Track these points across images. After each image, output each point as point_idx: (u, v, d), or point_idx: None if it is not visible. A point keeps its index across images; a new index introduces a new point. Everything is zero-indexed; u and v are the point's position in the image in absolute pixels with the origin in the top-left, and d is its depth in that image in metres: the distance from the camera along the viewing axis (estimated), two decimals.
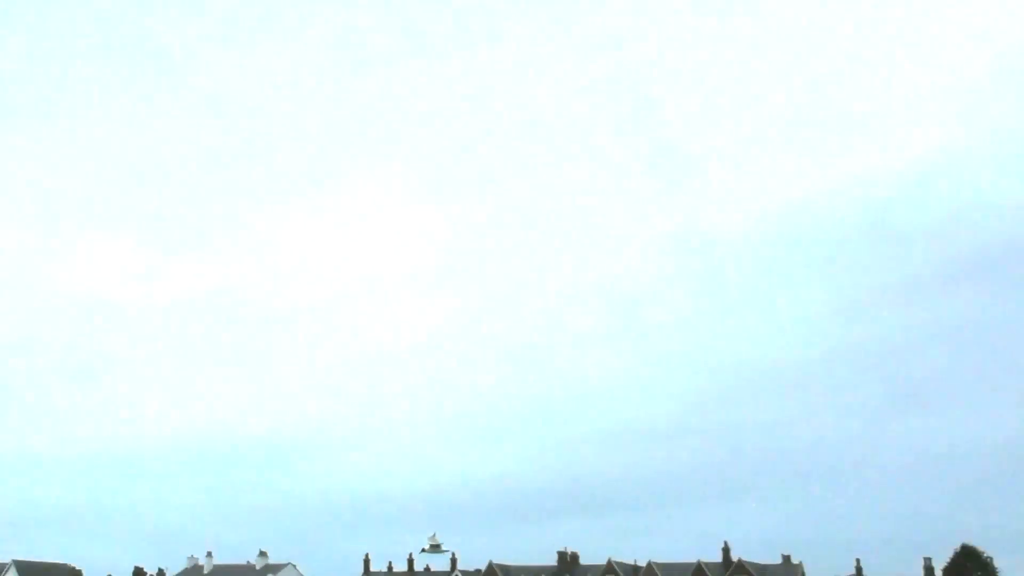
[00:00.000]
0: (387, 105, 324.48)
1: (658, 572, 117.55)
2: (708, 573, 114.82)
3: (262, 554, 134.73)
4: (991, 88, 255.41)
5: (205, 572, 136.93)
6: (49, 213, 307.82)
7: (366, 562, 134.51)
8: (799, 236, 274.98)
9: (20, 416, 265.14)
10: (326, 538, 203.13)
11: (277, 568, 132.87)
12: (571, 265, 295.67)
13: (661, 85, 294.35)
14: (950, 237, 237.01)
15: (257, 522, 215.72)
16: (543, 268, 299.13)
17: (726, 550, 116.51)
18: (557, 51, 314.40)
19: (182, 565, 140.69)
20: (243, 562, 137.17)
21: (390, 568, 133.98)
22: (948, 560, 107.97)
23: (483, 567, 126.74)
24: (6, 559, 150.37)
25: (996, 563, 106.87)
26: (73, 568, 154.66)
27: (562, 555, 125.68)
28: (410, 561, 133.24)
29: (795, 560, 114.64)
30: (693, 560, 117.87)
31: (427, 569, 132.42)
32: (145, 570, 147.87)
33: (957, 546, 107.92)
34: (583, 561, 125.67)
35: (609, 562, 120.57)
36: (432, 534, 71.29)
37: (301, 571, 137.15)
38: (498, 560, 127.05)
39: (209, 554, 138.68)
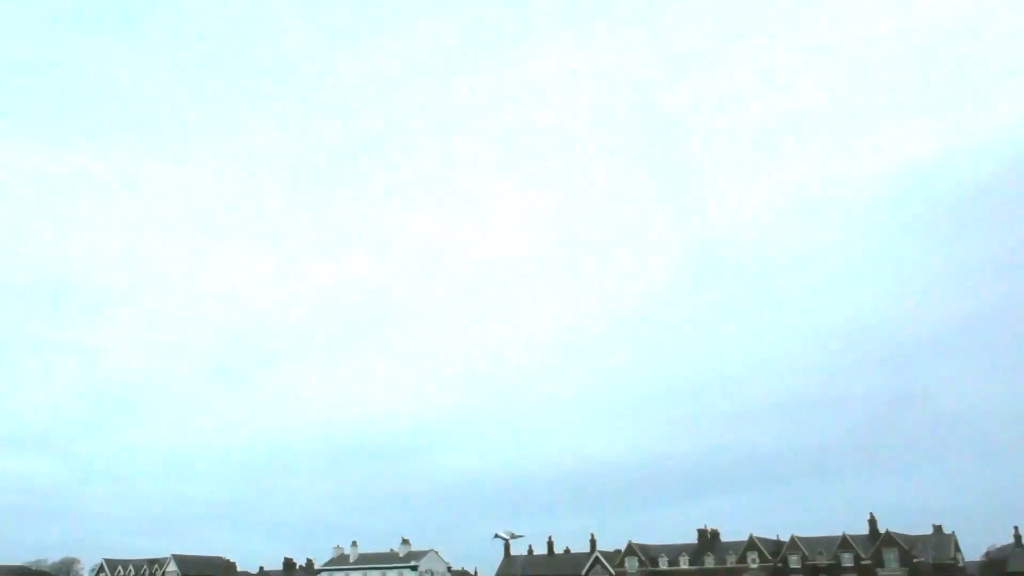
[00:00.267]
0: (500, 101, 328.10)
1: (802, 546, 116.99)
2: (854, 546, 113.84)
3: (405, 541, 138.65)
4: None
5: (351, 561, 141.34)
6: (190, 222, 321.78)
7: (506, 546, 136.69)
8: (941, 195, 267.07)
9: (173, 418, 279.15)
10: (467, 523, 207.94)
11: (420, 555, 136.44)
12: (689, 240, 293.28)
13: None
14: None
15: (400, 510, 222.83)
16: (662, 245, 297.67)
17: (872, 522, 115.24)
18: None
19: (329, 555, 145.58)
20: (387, 550, 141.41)
21: (530, 551, 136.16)
22: None
23: (622, 547, 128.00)
24: (165, 554, 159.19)
25: None
26: (227, 561, 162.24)
27: (702, 532, 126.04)
28: (549, 543, 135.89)
29: (947, 530, 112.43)
30: (838, 533, 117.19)
31: (567, 551, 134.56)
32: (294, 560, 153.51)
33: None
34: (724, 538, 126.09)
35: (751, 538, 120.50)
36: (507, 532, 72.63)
37: (443, 557, 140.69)
38: (637, 540, 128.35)
39: (354, 543, 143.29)
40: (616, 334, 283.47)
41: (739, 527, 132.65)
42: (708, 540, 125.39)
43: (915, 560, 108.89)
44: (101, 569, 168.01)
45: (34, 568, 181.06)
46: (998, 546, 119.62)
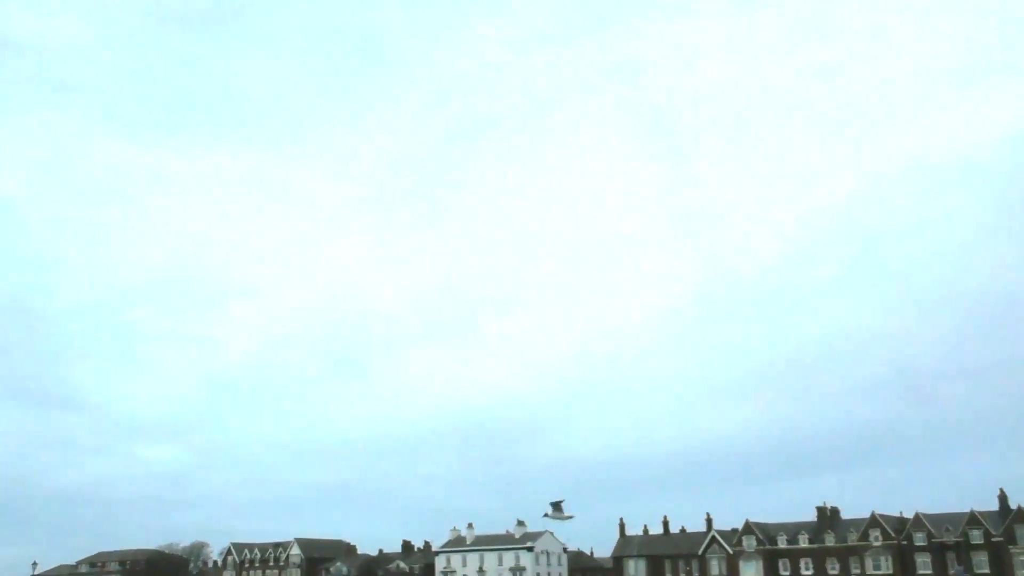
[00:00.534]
0: (603, 79, 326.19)
1: (927, 524, 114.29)
2: (984, 522, 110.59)
3: (520, 523, 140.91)
4: None
5: (468, 543, 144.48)
6: (304, 216, 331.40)
7: (621, 526, 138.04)
8: None
9: (292, 406, 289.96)
10: (582, 504, 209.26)
11: (535, 536, 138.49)
12: (800, 210, 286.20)
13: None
14: None
15: (514, 492, 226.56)
16: (772, 216, 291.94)
17: (1003, 497, 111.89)
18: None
19: (446, 537, 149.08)
20: (502, 531, 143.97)
21: (645, 530, 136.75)
22: None
23: (739, 525, 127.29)
24: (289, 537, 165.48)
25: None
26: (348, 543, 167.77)
27: (821, 510, 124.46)
28: (665, 523, 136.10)
29: None
30: (965, 510, 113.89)
31: (683, 530, 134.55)
32: (412, 543, 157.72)
33: None
34: (844, 515, 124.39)
35: (873, 515, 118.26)
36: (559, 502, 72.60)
37: (558, 538, 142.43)
38: (754, 518, 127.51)
39: (470, 525, 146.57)
40: (728, 308, 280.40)
41: (860, 504, 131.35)
42: (828, 518, 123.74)
43: None
44: (229, 552, 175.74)
45: (167, 551, 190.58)
46: None
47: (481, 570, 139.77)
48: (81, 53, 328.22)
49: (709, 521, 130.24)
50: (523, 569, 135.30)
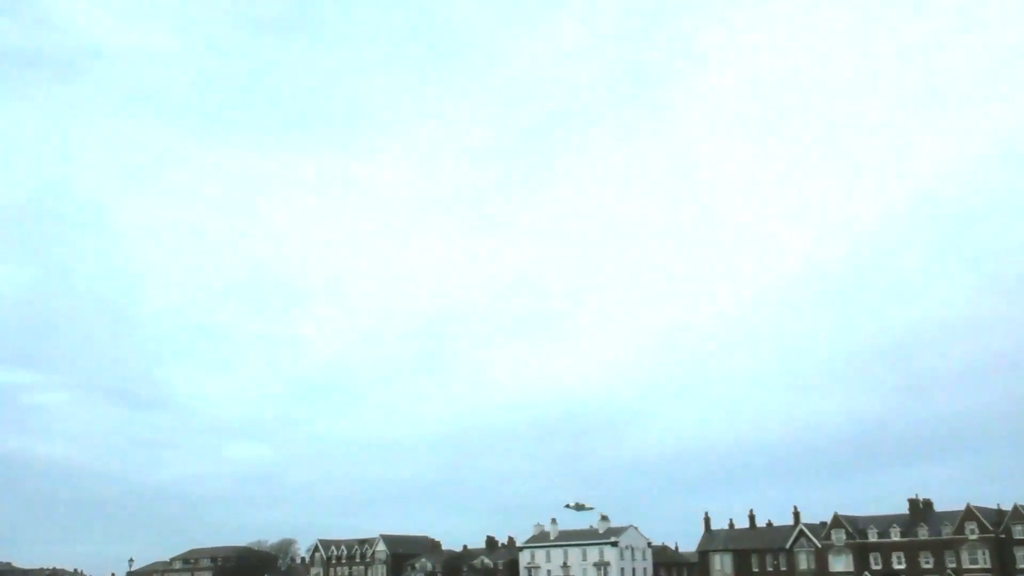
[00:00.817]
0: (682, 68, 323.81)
1: None
2: None
3: (604, 518, 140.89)
4: None
5: (551, 538, 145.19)
6: (385, 214, 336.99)
7: (706, 520, 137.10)
8: None
9: (375, 403, 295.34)
10: (664, 498, 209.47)
11: (619, 531, 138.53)
12: (892, 193, 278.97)
13: None
14: None
15: (597, 487, 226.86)
16: (859, 205, 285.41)
17: None
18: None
19: (529, 532, 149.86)
20: (586, 527, 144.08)
21: (731, 524, 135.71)
22: None
23: (827, 519, 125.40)
24: (374, 534, 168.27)
25: None
26: (432, 540, 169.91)
27: (913, 502, 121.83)
28: (751, 516, 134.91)
29: None
30: None
31: (769, 524, 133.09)
32: (496, 539, 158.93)
33: None
34: (938, 508, 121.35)
35: (968, 508, 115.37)
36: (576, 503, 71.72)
37: (643, 532, 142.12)
38: (843, 511, 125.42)
39: (554, 520, 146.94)
40: (813, 296, 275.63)
41: (954, 496, 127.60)
42: (920, 510, 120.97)
43: None
44: (316, 549, 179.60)
45: (256, 548, 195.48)
46: None
47: (565, 565, 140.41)
48: (167, 61, 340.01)
49: (796, 514, 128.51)
50: (607, 564, 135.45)
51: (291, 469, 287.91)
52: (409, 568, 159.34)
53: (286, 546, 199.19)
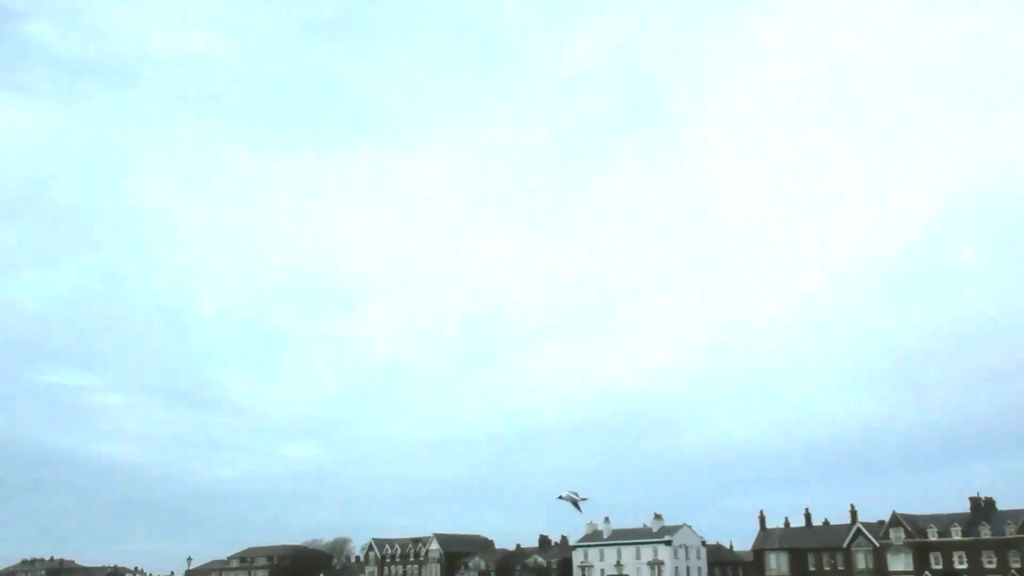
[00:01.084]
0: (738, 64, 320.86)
1: None
2: None
3: (657, 516, 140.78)
4: None
5: (604, 537, 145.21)
6: (435, 215, 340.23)
7: (761, 518, 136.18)
8: None
9: (426, 402, 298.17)
10: (719, 497, 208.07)
11: (673, 530, 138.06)
12: (968, 188, 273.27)
13: None
14: None
15: (649, 485, 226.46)
16: (914, 199, 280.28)
17: None
18: None
19: (582, 531, 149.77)
20: (639, 525, 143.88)
21: (787, 523, 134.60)
22: None
23: (885, 517, 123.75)
24: (428, 532, 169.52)
25: None
26: (485, 538, 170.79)
27: (975, 501, 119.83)
28: (806, 515, 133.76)
29: None
30: None
31: (826, 522, 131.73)
32: (549, 537, 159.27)
33: None
34: (1000, 506, 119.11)
35: None
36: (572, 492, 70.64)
37: (697, 531, 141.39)
38: (902, 509, 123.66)
39: (607, 519, 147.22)
40: (868, 292, 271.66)
41: (1019, 495, 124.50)
42: (982, 509, 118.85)
43: None
44: (370, 548, 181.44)
45: (311, 547, 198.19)
46: None
47: (619, 564, 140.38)
48: (221, 66, 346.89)
49: (853, 513, 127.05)
50: (661, 563, 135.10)
51: (345, 468, 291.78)
52: (462, 567, 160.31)
53: (341, 545, 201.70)
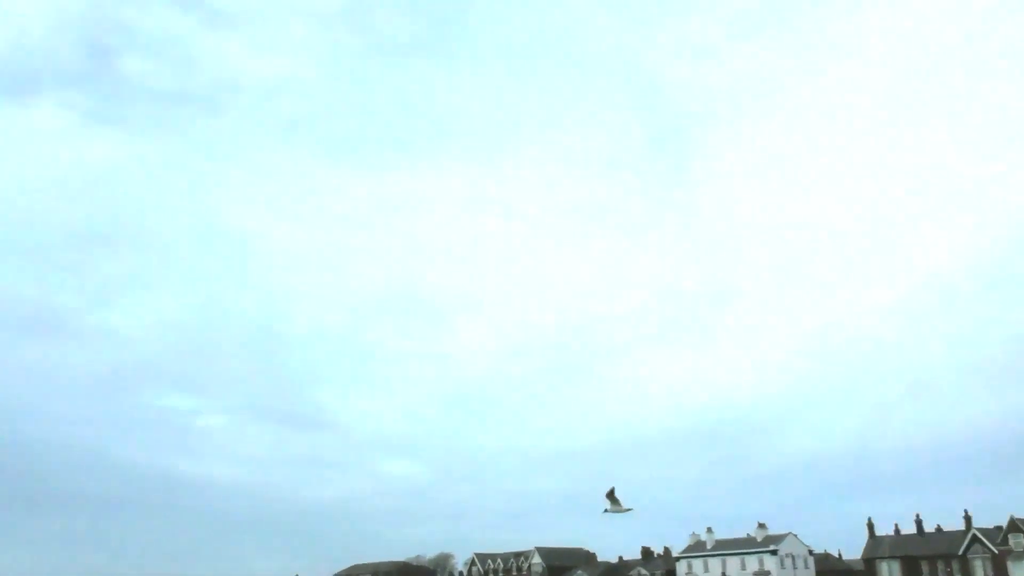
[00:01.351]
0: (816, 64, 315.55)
1: None
2: None
3: (761, 526, 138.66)
4: None
5: (708, 548, 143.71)
6: (523, 229, 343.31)
7: (870, 525, 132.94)
8: None
9: (522, 416, 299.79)
10: (823, 504, 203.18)
11: (778, 539, 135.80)
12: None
13: None
14: None
15: (751, 494, 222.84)
16: (1016, 194, 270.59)
17: None
18: None
19: (685, 542, 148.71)
20: (743, 535, 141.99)
21: (897, 530, 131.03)
22: None
23: (1002, 523, 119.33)
24: (529, 546, 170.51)
25: None
26: (587, 551, 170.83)
27: None
28: (918, 521, 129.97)
29: None
30: None
31: (938, 528, 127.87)
32: (652, 549, 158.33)
33: None
34: None
35: None
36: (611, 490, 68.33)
37: (802, 539, 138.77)
38: (1020, 514, 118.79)
39: (709, 529, 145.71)
40: (969, 290, 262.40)
41: None
42: None
43: None
44: (473, 563, 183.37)
45: (414, 563, 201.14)
46: None
47: (723, 575, 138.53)
48: (304, 90, 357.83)
49: (968, 519, 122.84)
50: (767, 573, 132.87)
51: (445, 484, 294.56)
52: None
53: (443, 560, 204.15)
